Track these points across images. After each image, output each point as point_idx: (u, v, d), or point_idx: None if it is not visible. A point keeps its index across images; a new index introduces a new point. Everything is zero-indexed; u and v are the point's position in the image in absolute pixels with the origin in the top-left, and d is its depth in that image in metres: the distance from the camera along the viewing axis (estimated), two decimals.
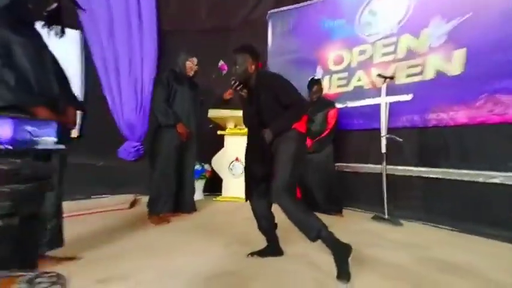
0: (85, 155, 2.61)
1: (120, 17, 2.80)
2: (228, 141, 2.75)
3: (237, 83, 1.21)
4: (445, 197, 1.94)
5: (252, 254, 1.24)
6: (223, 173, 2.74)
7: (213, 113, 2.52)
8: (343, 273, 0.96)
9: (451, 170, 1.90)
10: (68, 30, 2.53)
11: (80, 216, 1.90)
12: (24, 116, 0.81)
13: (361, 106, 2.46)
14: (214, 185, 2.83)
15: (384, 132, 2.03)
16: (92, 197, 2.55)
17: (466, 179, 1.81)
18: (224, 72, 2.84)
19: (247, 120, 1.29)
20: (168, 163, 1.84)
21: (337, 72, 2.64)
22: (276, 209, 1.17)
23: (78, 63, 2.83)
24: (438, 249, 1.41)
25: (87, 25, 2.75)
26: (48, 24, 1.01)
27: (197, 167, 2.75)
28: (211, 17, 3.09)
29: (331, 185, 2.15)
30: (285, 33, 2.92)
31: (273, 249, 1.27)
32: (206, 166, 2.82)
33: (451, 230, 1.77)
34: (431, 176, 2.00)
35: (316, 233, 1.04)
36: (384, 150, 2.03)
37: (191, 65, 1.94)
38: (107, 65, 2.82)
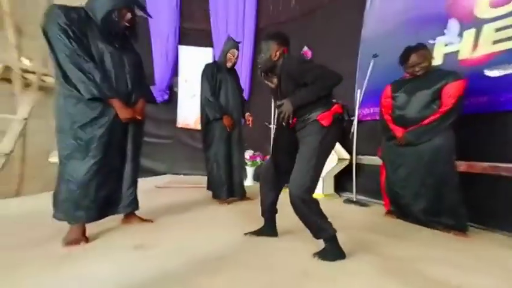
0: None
1: (234, 32, 3.63)
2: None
3: (263, 75, 1.17)
4: None
5: (249, 233, 1.28)
6: None
7: None
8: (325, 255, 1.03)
9: None
10: (204, 49, 3.72)
11: (170, 188, 2.55)
12: None
13: None
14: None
15: None
16: (187, 174, 3.37)
17: None
18: (307, 58, 2.90)
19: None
20: (217, 154, 1.93)
21: (496, 19, 1.64)
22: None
23: None
24: None
25: (216, 43, 3.84)
26: (128, 32, 1.28)
27: (247, 154, 2.91)
28: (299, 3, 3.11)
29: (443, 191, 1.45)
30: None
31: (269, 229, 1.28)
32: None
33: None
34: None
35: (322, 236, 1.05)
36: None
37: (231, 56, 1.97)
38: None
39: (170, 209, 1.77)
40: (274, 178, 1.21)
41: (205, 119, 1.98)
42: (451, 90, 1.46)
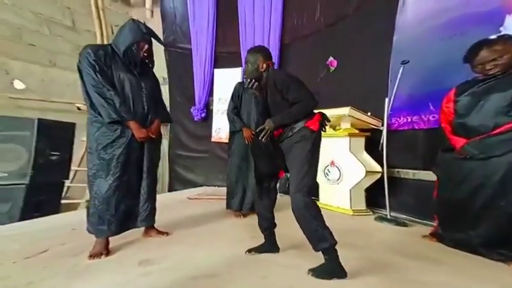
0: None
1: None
2: (322, 143, 2.62)
3: (252, 81, 1.22)
4: None
5: (250, 250, 1.28)
6: (318, 177, 2.62)
7: None
8: (320, 271, 1.02)
9: None
10: (234, 69, 4.08)
11: (200, 199, 2.73)
12: None
13: None
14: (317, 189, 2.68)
15: None
16: (220, 186, 3.43)
17: None
18: (333, 68, 2.84)
19: (254, 120, 1.29)
20: (235, 165, 2.04)
21: None
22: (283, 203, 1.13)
23: None
24: None
25: (244, 64, 4.16)
26: (146, 60, 1.41)
27: None
28: (323, 14, 3.10)
29: None
30: None
31: (269, 245, 1.29)
32: None
33: None
34: None
35: (323, 246, 1.03)
36: None
37: None
38: None
39: (190, 221, 1.89)
40: (265, 194, 1.26)
41: (229, 132, 2.17)
42: None
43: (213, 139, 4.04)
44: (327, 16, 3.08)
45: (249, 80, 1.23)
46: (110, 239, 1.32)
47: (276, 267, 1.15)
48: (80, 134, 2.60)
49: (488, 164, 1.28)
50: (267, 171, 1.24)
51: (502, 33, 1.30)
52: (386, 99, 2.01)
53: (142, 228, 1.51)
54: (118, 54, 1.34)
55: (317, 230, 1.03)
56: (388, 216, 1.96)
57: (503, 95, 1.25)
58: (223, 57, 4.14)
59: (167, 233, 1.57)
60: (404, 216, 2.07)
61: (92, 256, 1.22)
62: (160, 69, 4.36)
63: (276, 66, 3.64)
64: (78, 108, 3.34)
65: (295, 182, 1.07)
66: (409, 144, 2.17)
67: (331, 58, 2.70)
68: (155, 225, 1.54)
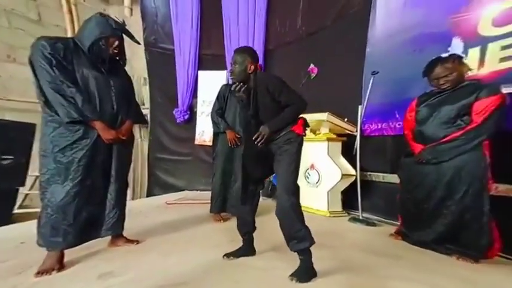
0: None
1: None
2: (303, 146, 2.70)
3: (239, 84, 1.16)
4: None
5: (228, 255, 1.27)
6: (299, 180, 2.70)
7: None
8: (301, 275, 1.05)
9: None
10: (218, 72, 4.08)
11: (180, 204, 2.61)
12: None
13: None
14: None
15: None
16: (203, 190, 3.41)
17: None
18: (313, 75, 2.98)
19: (242, 123, 1.28)
20: (218, 167, 2.02)
21: (500, 38, 1.61)
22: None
23: None
24: None
25: (228, 66, 4.17)
26: (116, 57, 1.32)
27: None
28: (304, 23, 3.23)
29: (465, 217, 1.34)
30: (397, 9, 2.30)
31: (247, 249, 1.31)
32: None
33: None
34: None
35: (303, 246, 1.06)
36: None
37: None
38: None
39: (165, 227, 1.80)
40: (249, 199, 1.26)
41: (212, 134, 2.15)
42: (481, 107, 1.32)
43: (196, 142, 3.99)
44: (308, 25, 3.22)
45: (236, 83, 1.17)
46: (68, 251, 1.19)
47: (251, 271, 1.16)
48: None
49: (439, 168, 1.43)
50: (259, 176, 1.25)
51: (452, 53, 1.47)
52: (360, 107, 2.16)
53: (109, 238, 1.39)
54: (82, 49, 1.22)
55: (300, 230, 1.06)
56: (360, 217, 2.09)
57: (452, 107, 1.41)
58: (208, 59, 4.12)
59: (137, 241, 1.46)
60: (375, 217, 2.21)
61: (40, 273, 1.08)
62: (140, 69, 4.22)
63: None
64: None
65: (283, 183, 1.10)
66: (379, 149, 2.34)
67: (312, 65, 2.83)
68: (124, 234, 1.43)
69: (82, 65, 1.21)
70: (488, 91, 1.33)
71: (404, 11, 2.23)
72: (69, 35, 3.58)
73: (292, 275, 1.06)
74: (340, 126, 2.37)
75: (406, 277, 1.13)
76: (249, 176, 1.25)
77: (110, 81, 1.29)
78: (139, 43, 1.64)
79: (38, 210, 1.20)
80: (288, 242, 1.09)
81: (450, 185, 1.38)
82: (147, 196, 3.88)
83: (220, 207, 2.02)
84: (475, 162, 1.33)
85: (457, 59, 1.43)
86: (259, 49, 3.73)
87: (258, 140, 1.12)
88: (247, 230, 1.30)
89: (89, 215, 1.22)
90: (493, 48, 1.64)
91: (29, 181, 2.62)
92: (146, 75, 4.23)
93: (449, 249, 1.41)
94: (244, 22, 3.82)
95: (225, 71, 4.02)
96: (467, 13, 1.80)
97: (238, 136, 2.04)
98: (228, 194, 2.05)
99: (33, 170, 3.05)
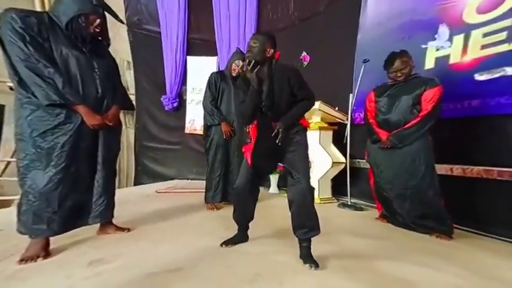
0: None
1: (236, 40, 3.79)
2: None
3: (254, 63, 1.06)
4: None
5: (227, 243, 1.26)
6: None
7: None
8: (314, 262, 1.05)
9: None
10: (209, 58, 3.92)
11: (170, 193, 2.57)
12: None
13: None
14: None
15: None
16: (193, 179, 3.47)
17: None
18: (306, 63, 2.94)
19: (248, 114, 1.13)
20: (215, 158, 2.00)
21: (483, 25, 1.64)
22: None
23: None
24: None
25: (219, 53, 4.02)
26: (100, 37, 1.24)
27: None
28: (297, 8, 3.16)
29: (426, 194, 1.48)
30: None
31: (243, 236, 1.32)
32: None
33: None
34: None
35: (313, 235, 1.09)
36: None
37: (235, 67, 2.03)
38: None
39: (156, 216, 1.77)
40: (252, 192, 1.24)
41: (205, 125, 2.07)
42: (430, 96, 1.51)
43: (186, 130, 3.89)
44: (300, 11, 3.13)
45: (251, 61, 1.05)
46: (54, 239, 1.14)
47: (244, 256, 1.16)
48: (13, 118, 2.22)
49: (402, 151, 1.57)
50: (268, 170, 1.25)
51: (403, 49, 1.62)
52: (351, 95, 2.17)
53: (98, 226, 1.35)
54: (59, 26, 1.12)
55: (316, 215, 1.09)
56: (349, 203, 2.16)
57: (409, 97, 1.56)
58: (197, 44, 3.94)
59: (128, 229, 1.44)
60: (362, 202, 2.30)
61: (24, 260, 1.03)
62: (123, 52, 3.95)
63: None
64: (11, 88, 2.86)
65: (302, 171, 1.10)
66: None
67: (304, 53, 2.78)
68: (114, 222, 1.41)
69: (60, 43, 1.11)
70: (434, 83, 1.51)
71: None
72: (38, 8, 3.26)
73: (308, 263, 1.05)
74: (332, 115, 2.38)
75: (393, 257, 1.18)
76: (259, 170, 1.20)
77: (93, 63, 1.20)
78: (123, 22, 1.52)
79: (11, 197, 1.11)
80: (296, 230, 1.10)
81: (413, 166, 1.53)
82: (135, 185, 3.78)
83: (220, 199, 2.01)
84: (428, 144, 1.53)
85: (407, 54, 1.59)
86: (250, 35, 3.60)
87: (279, 137, 1.07)
88: (248, 219, 1.30)
89: (75, 203, 1.17)
90: (476, 35, 1.68)
91: None
92: (130, 59, 3.98)
93: (426, 227, 1.53)
94: (235, 7, 3.65)
95: (215, 57, 3.88)
96: (452, 0, 1.82)
97: (233, 128, 2.02)
98: (228, 184, 2.04)
99: (5, 155, 2.87)
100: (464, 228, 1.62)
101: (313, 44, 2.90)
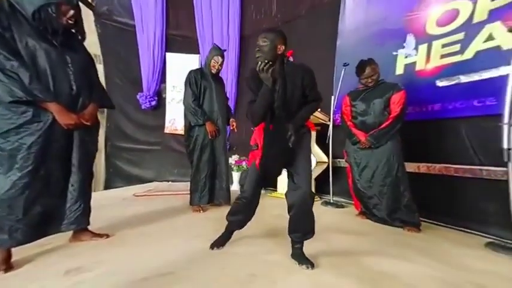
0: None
1: (219, 39, 3.71)
2: None
3: (266, 62, 0.98)
4: None
5: (218, 245, 1.23)
6: None
7: None
8: (310, 263, 1.06)
9: None
10: (191, 55, 3.77)
11: (150, 196, 2.44)
12: None
13: (474, 82, 1.64)
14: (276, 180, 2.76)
15: (507, 118, 1.36)
16: (174, 180, 3.35)
17: None
18: (291, 58, 3.01)
19: (266, 111, 1.05)
20: (200, 159, 1.95)
21: (442, 36, 1.87)
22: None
23: None
24: None
25: (202, 50, 3.91)
26: (73, 29, 1.16)
27: (233, 159, 3.00)
28: (280, 10, 3.23)
29: (399, 190, 1.63)
30: (363, 4, 2.45)
31: (228, 235, 1.29)
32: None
33: None
34: None
35: (308, 237, 1.10)
36: (507, 144, 1.37)
37: (215, 63, 1.99)
38: None
39: (136, 220, 1.68)
40: (258, 195, 1.21)
41: (187, 125, 1.99)
42: (397, 99, 1.70)
43: (166, 130, 3.69)
44: (283, 13, 3.20)
45: (264, 61, 0.98)
46: (15, 250, 1.03)
47: (235, 257, 1.15)
48: None
49: (380, 151, 1.72)
50: (279, 172, 1.17)
51: (371, 57, 1.79)
52: (332, 97, 2.27)
53: (69, 234, 1.24)
54: (23, 15, 1.02)
55: (311, 223, 1.09)
56: (331, 201, 2.26)
57: (381, 100, 1.73)
58: (177, 40, 3.78)
59: (107, 235, 1.34)
60: (343, 199, 2.42)
61: None
62: (92, 44, 3.60)
63: (236, 58, 3.67)
64: None
65: (305, 175, 1.07)
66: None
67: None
68: (89, 228, 1.31)
69: (25, 33, 1.01)
70: (398, 88, 1.71)
71: (369, 6, 2.42)
72: None
73: (304, 264, 1.05)
74: (315, 116, 2.47)
75: (375, 252, 1.25)
76: (267, 173, 1.14)
77: (65, 57, 1.11)
78: (94, 10, 1.39)
79: None
80: (292, 233, 1.11)
81: (388, 164, 1.69)
82: (105, 189, 3.46)
83: (208, 200, 1.97)
84: (399, 143, 1.70)
85: (375, 61, 1.77)
86: (234, 34, 3.58)
87: (292, 140, 1.02)
88: (246, 223, 1.25)
89: (45, 208, 1.07)
90: (436, 45, 1.92)
91: None
92: (99, 52, 3.65)
93: (401, 221, 1.66)
94: (217, 6, 3.59)
95: (197, 55, 3.76)
96: (418, 12, 2.05)
97: (217, 127, 1.98)
98: (215, 185, 2.02)
99: None
100: (428, 220, 1.80)
101: (296, 46, 2.96)
